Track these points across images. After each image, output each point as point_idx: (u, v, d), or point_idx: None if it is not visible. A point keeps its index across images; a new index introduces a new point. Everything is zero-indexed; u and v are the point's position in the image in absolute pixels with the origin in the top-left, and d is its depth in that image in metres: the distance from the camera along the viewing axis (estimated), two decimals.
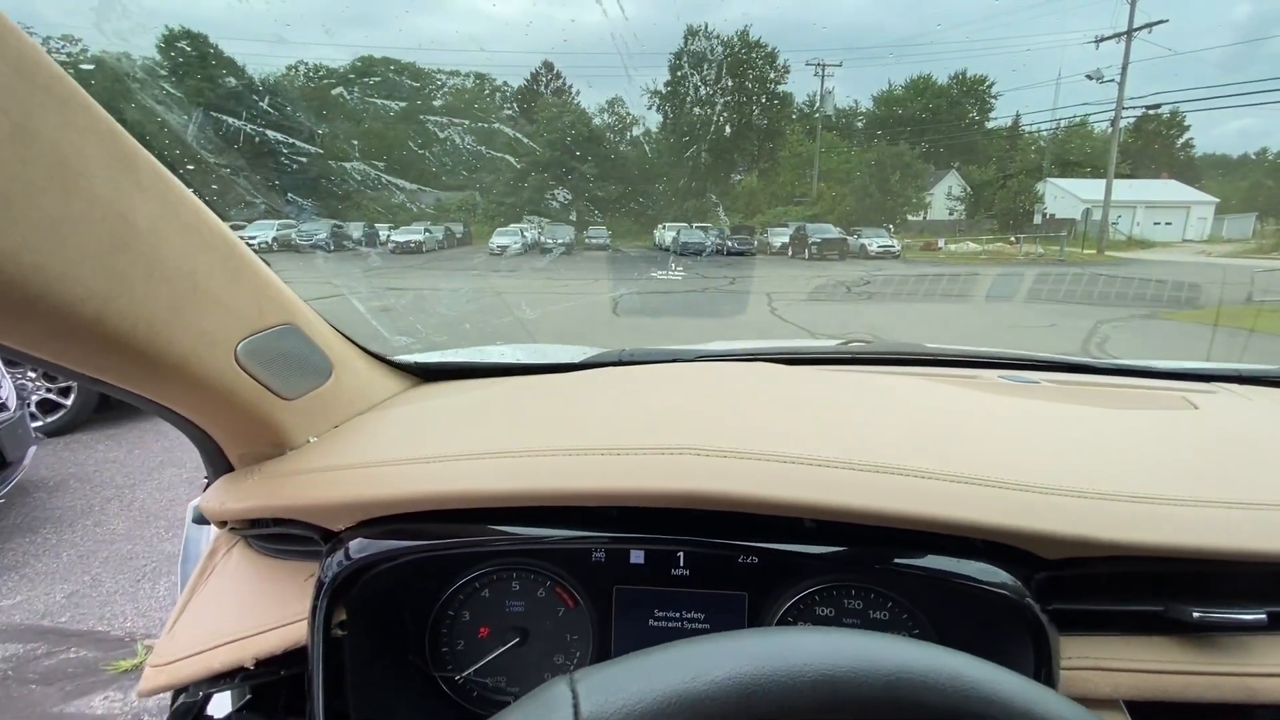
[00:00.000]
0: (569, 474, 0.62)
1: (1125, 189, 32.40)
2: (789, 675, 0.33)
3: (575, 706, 0.30)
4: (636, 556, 0.69)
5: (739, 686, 0.32)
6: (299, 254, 20.16)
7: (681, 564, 0.69)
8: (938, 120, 38.19)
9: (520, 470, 0.63)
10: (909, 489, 0.58)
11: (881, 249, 20.95)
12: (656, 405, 0.82)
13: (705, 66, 35.08)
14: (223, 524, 0.75)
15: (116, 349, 0.50)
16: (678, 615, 0.69)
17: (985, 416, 0.82)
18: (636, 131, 37.67)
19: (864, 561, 0.61)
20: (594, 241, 24.79)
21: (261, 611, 0.69)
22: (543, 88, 37.37)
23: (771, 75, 35.92)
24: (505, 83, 37.23)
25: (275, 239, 20.44)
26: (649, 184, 34.25)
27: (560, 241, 22.30)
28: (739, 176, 36.38)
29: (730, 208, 33.04)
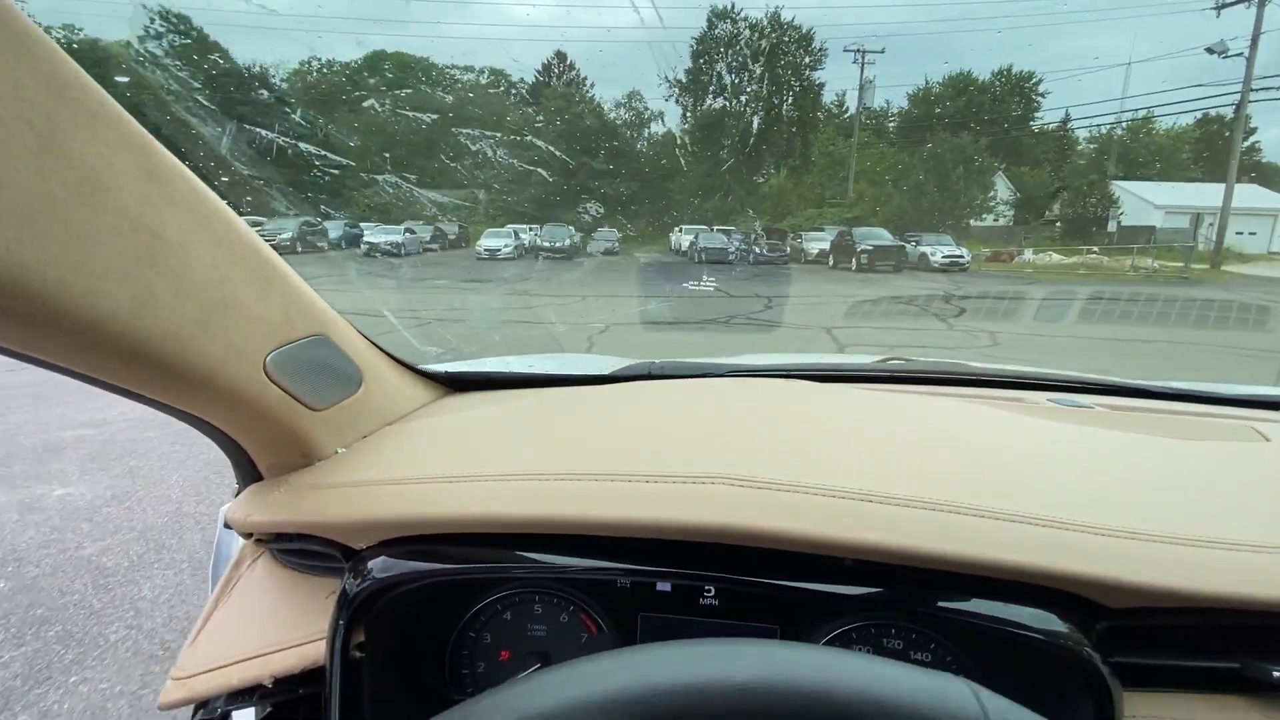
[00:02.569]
0: (596, 501, 0.60)
1: (1199, 194, 28.53)
2: (653, 691, 0.33)
3: None
4: (663, 585, 0.66)
5: (603, 704, 0.32)
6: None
7: (711, 594, 0.65)
8: (980, 119, 34.49)
9: (546, 495, 0.61)
10: (961, 529, 0.54)
11: (948, 259, 17.19)
12: (688, 425, 0.79)
13: (731, 52, 31.78)
14: (248, 535, 0.74)
15: (145, 361, 0.50)
16: None
17: (1036, 445, 0.77)
18: (656, 129, 34.66)
19: (904, 604, 0.57)
20: (603, 245, 21.65)
21: (282, 628, 0.68)
22: (554, 80, 34.48)
23: (806, 60, 32.33)
24: (521, 79, 34.78)
25: None
26: (665, 182, 31.13)
27: (558, 245, 19.18)
28: (766, 175, 33.00)
29: (756, 209, 29.76)
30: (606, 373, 1.11)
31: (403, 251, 18.44)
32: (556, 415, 0.89)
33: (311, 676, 0.65)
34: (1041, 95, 35.54)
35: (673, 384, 1.00)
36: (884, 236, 17.75)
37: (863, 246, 16.74)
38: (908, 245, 17.57)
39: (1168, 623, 0.54)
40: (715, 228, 22.75)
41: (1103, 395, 1.06)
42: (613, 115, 33.62)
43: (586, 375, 1.10)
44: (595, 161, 28.23)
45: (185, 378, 0.54)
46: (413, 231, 20.13)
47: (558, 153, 27.61)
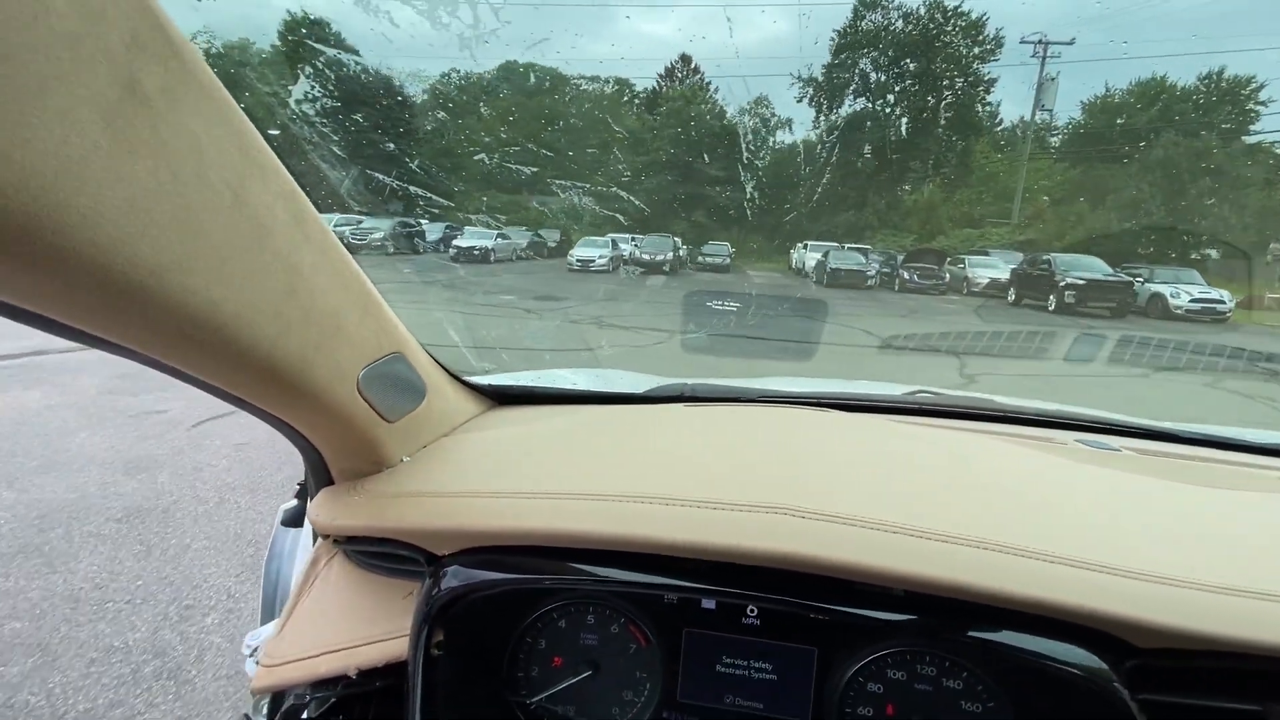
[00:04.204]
0: (667, 524, 0.64)
1: None
2: None
3: None
4: (708, 603, 0.69)
5: None
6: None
7: (753, 614, 0.68)
8: (1176, 131, 27.47)
9: (623, 516, 0.65)
10: (1004, 567, 0.57)
11: (1201, 305, 11.86)
12: (735, 454, 0.83)
13: (879, 46, 27.67)
14: (325, 535, 0.79)
15: (273, 381, 0.56)
16: (745, 664, 0.69)
17: (1067, 487, 0.79)
18: (785, 137, 31.31)
19: (941, 632, 0.61)
20: (710, 260, 18.74)
21: (364, 624, 0.73)
22: (677, 84, 32.30)
23: (974, 51, 27.20)
24: (645, 90, 33.26)
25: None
26: (790, 191, 27.67)
27: (658, 257, 16.55)
28: (911, 188, 28.45)
29: (898, 225, 25.47)
30: (642, 391, 1.17)
31: (491, 258, 16.75)
32: (607, 435, 0.94)
33: (389, 670, 0.70)
34: (1262, 104, 27.63)
35: (712, 409, 1.05)
36: (1098, 268, 12.56)
37: (1068, 280, 11.85)
38: (1133, 281, 12.47)
39: (1194, 664, 0.57)
40: (845, 245, 19.09)
41: (1129, 437, 1.08)
42: (735, 121, 30.73)
43: (624, 394, 1.17)
44: (711, 168, 25.46)
45: (300, 393, 0.60)
46: (505, 237, 18.47)
47: (670, 155, 25.18)
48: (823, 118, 29.39)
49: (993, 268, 15.20)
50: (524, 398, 1.12)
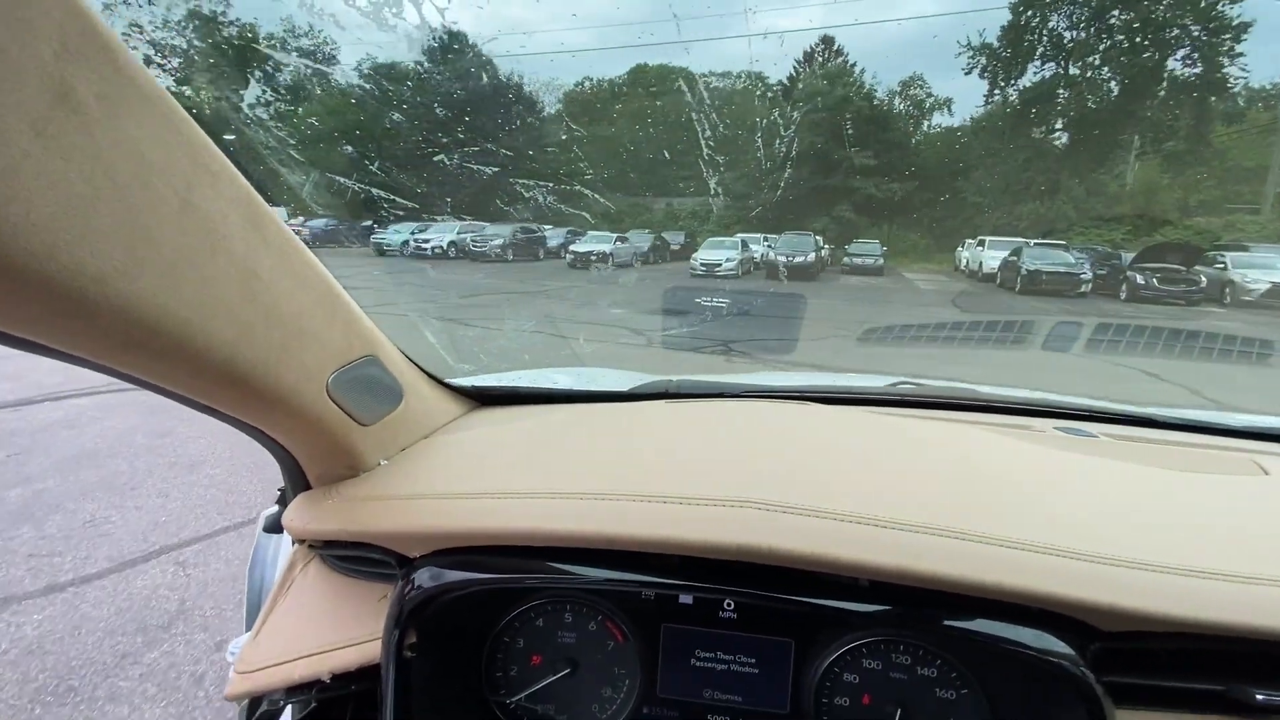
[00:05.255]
0: (637, 521, 0.64)
1: None
2: None
3: None
4: (685, 598, 0.69)
5: None
6: (473, 261, 16.32)
7: (730, 608, 0.68)
8: None
9: (591, 514, 0.65)
10: (969, 554, 0.58)
11: None
12: (713, 448, 0.83)
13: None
14: (301, 540, 0.79)
15: (236, 386, 0.56)
16: (723, 657, 0.70)
17: (1041, 475, 0.79)
18: (942, 120, 27.10)
19: (913, 621, 0.62)
20: (859, 261, 15.98)
21: (338, 628, 0.73)
22: (818, 68, 29.34)
23: None
24: (780, 82, 31.03)
25: (453, 243, 16.91)
26: (956, 180, 23.67)
27: (797, 259, 14.16)
28: (1119, 169, 23.04)
29: (1103, 216, 20.56)
30: (625, 389, 1.15)
31: (611, 263, 15.40)
32: (585, 433, 0.92)
33: (364, 674, 0.69)
34: None
35: (693, 405, 1.04)
36: None
37: None
38: None
39: (1158, 645, 0.58)
40: (1034, 241, 15.26)
41: (1107, 423, 1.07)
42: (886, 103, 27.12)
43: (607, 392, 1.16)
44: (858, 157, 22.37)
45: (265, 398, 0.59)
46: (625, 240, 17.11)
47: (810, 145, 22.47)
48: (998, 91, 24.84)
49: (1274, 269, 11.02)
50: (507, 398, 1.12)
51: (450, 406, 1.00)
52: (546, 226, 20.39)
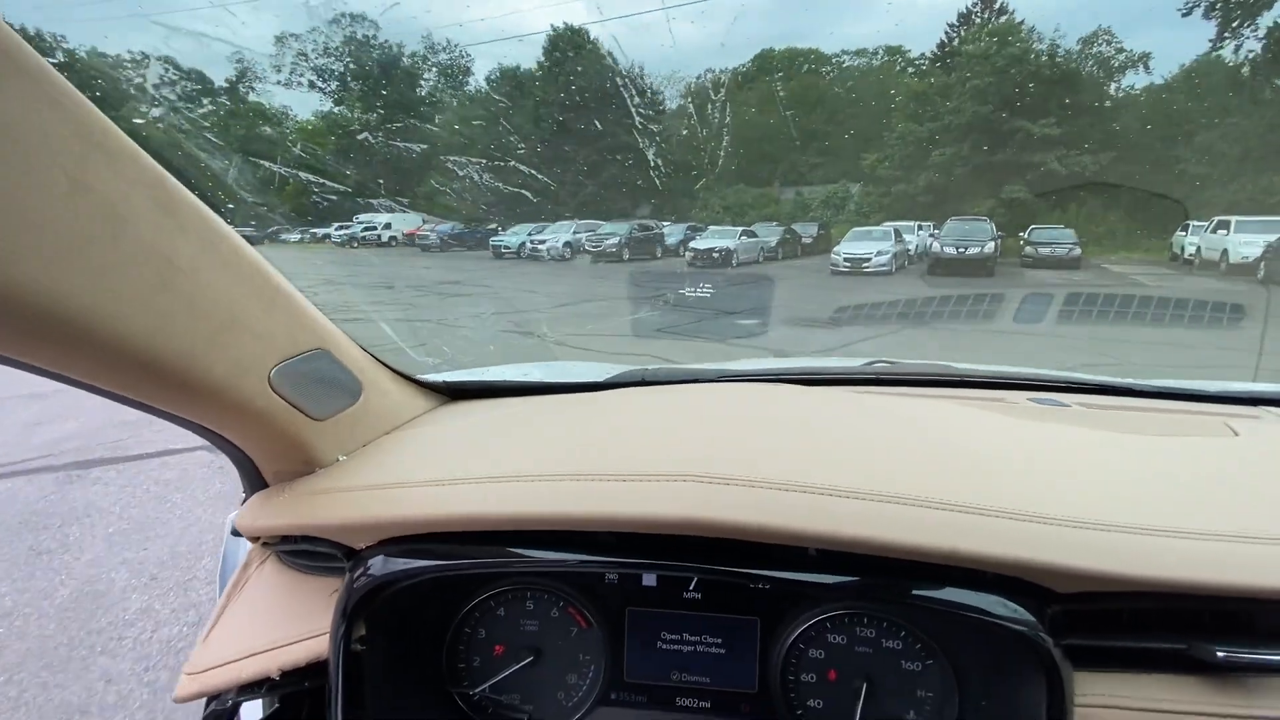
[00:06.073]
0: (572, 499, 0.63)
1: None
2: None
3: None
4: (649, 579, 0.69)
5: None
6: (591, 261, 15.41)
7: (693, 588, 0.68)
8: None
9: (527, 495, 0.65)
10: (912, 519, 0.57)
11: None
12: (670, 429, 0.81)
13: None
14: (255, 539, 0.78)
15: (162, 377, 0.54)
16: (689, 638, 0.69)
17: (1009, 443, 0.78)
18: (1133, 80, 22.15)
19: (874, 592, 0.61)
20: (1047, 251, 12.90)
21: (289, 624, 0.71)
22: (977, 29, 25.32)
23: None
24: (923, 55, 27.63)
25: (568, 244, 16.16)
26: (1168, 149, 19.02)
27: (969, 250, 11.55)
28: None
29: None
30: (601, 380, 1.13)
31: (734, 261, 13.75)
32: (548, 421, 0.91)
33: (317, 670, 0.68)
34: None
35: (664, 391, 1.03)
36: None
37: None
38: None
39: (1117, 606, 0.57)
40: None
41: (1081, 393, 1.06)
42: (1070, 62, 22.60)
43: (582, 383, 1.12)
44: (1037, 125, 18.64)
45: (197, 391, 0.58)
46: (751, 234, 15.32)
47: (973, 116, 19.13)
48: (1230, 34, 19.62)
49: None
50: (479, 392, 1.09)
51: (417, 402, 0.97)
52: (664, 222, 19.13)
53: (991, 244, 11.58)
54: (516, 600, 0.73)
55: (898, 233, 12.64)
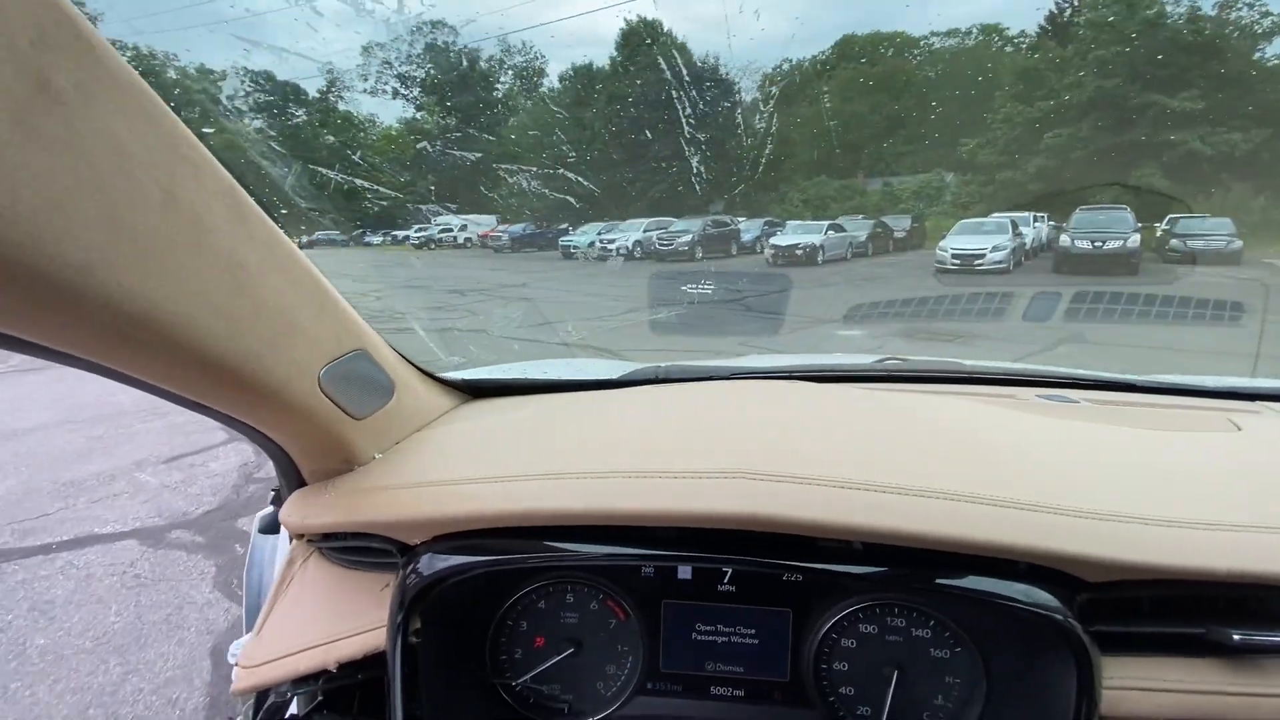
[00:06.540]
0: (630, 496, 0.65)
1: None
2: None
3: None
4: (684, 572, 0.70)
5: None
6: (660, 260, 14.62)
7: (727, 581, 0.70)
8: None
9: (585, 492, 0.66)
10: (956, 513, 0.59)
11: None
12: (699, 426, 0.83)
13: None
14: (299, 535, 0.80)
15: (226, 380, 0.56)
16: (723, 630, 0.71)
17: (1024, 438, 0.81)
18: None
19: (907, 582, 0.63)
20: (1199, 245, 10.90)
21: (341, 619, 0.73)
22: None
23: None
24: (1023, 32, 25.24)
25: (638, 243, 15.47)
26: None
27: (1110, 245, 9.90)
28: None
29: None
30: (616, 377, 1.13)
31: (819, 258, 12.60)
32: (576, 418, 0.93)
33: (370, 662, 0.69)
34: None
35: (682, 388, 1.03)
36: None
37: None
38: None
39: (1141, 594, 0.60)
40: None
41: (1088, 390, 1.08)
42: (1214, 28, 19.60)
43: (598, 380, 1.12)
44: (1178, 99, 16.17)
45: (256, 392, 0.59)
46: (839, 229, 14.07)
47: (1098, 91, 16.89)
48: None
49: None
50: (498, 390, 1.11)
51: (442, 400, 0.98)
52: (740, 218, 18.06)
53: (1135, 237, 9.86)
54: (557, 593, 0.74)
55: (1014, 225, 11.07)
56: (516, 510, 0.66)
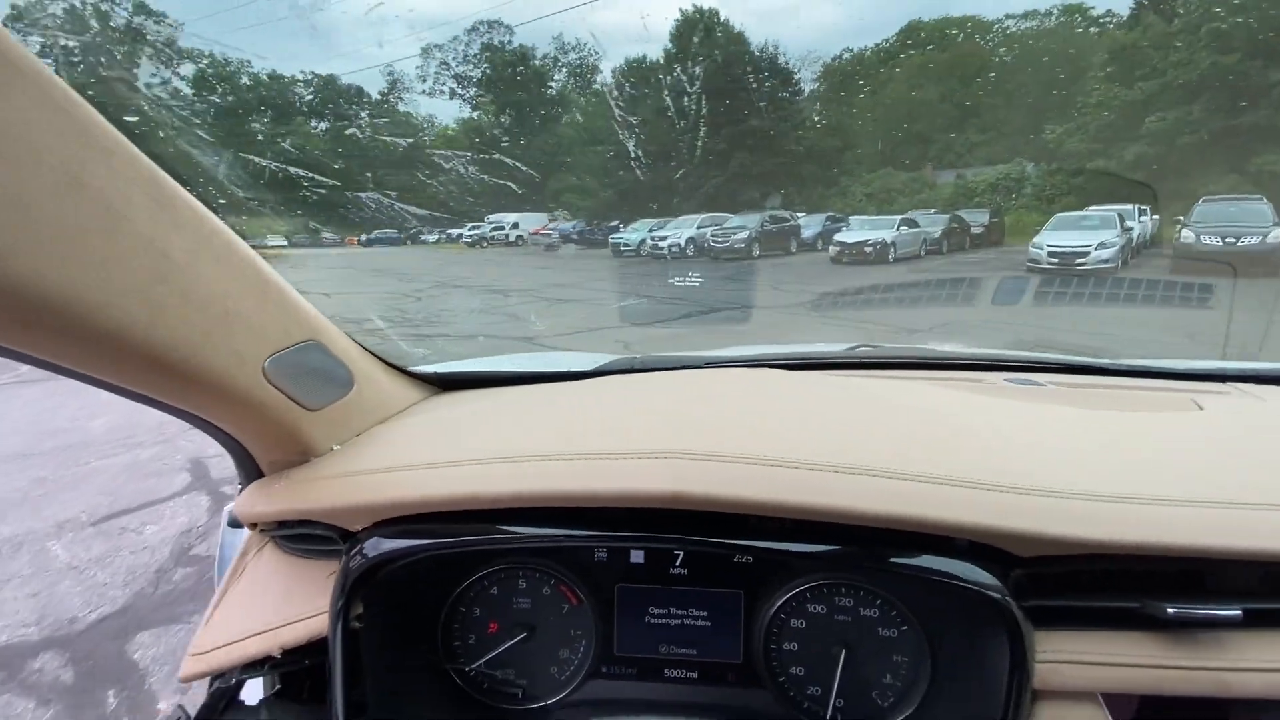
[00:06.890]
0: (561, 477, 0.65)
1: None
2: None
3: None
4: (637, 556, 0.71)
5: None
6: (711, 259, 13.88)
7: (679, 563, 0.70)
8: None
9: (519, 475, 0.67)
10: (879, 489, 0.60)
11: None
12: (656, 411, 0.83)
13: None
14: (253, 526, 0.80)
15: (159, 368, 0.56)
16: (676, 612, 0.72)
17: (981, 420, 0.81)
18: None
19: (851, 560, 0.64)
20: None
21: (289, 606, 0.73)
22: None
23: None
24: (1109, 11, 23.19)
25: (691, 240, 14.77)
26: None
27: (1241, 242, 8.58)
28: None
29: None
30: (590, 368, 1.13)
31: (890, 256, 11.60)
32: (537, 407, 0.93)
33: (317, 648, 0.70)
34: None
35: (651, 377, 1.04)
36: None
37: None
38: None
39: (1078, 568, 0.61)
40: None
41: (1055, 373, 1.09)
42: None
43: (571, 371, 1.12)
44: None
45: (194, 382, 0.59)
46: (912, 224, 12.99)
47: (1210, 67, 15.06)
48: None
49: None
50: (469, 382, 1.10)
51: (409, 392, 0.98)
52: (800, 213, 17.08)
53: (1276, 231, 8.48)
54: (509, 579, 0.75)
55: (1121, 218, 9.79)
56: (450, 494, 0.66)
